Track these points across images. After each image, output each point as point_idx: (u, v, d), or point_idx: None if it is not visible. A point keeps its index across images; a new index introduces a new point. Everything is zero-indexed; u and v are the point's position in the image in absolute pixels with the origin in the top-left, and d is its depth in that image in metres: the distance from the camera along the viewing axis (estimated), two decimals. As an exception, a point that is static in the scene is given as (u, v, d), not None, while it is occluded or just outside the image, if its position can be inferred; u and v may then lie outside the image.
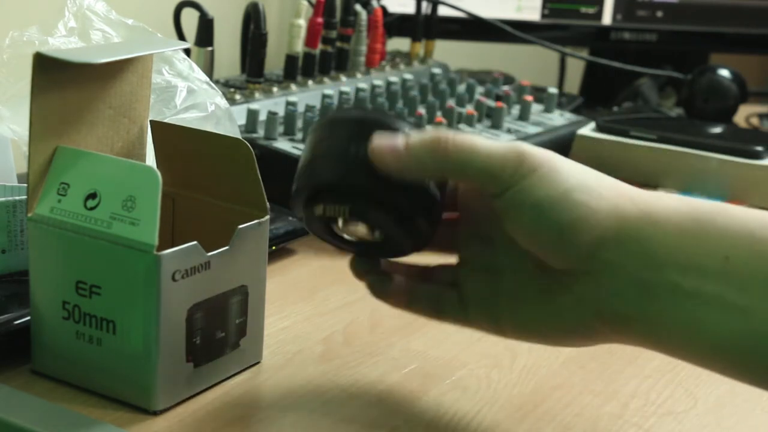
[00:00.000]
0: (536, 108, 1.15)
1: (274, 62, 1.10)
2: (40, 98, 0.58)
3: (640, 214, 0.54)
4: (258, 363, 0.65)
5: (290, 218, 0.85)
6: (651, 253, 0.53)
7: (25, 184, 0.59)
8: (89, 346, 0.59)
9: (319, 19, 1.06)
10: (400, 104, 1.05)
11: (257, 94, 0.99)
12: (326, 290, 0.78)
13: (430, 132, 0.55)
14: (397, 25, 1.28)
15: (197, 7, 0.99)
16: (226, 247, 0.60)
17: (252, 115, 0.94)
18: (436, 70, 1.19)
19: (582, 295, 0.55)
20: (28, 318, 0.61)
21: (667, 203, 0.55)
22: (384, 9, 1.19)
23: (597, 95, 1.44)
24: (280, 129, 0.94)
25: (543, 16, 1.34)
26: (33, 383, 0.61)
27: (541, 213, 0.54)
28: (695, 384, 0.66)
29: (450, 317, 0.60)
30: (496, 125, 1.07)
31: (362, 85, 1.07)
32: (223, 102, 0.79)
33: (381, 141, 0.55)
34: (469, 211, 0.60)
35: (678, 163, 1.03)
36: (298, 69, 1.05)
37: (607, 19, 1.35)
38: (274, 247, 0.81)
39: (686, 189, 1.02)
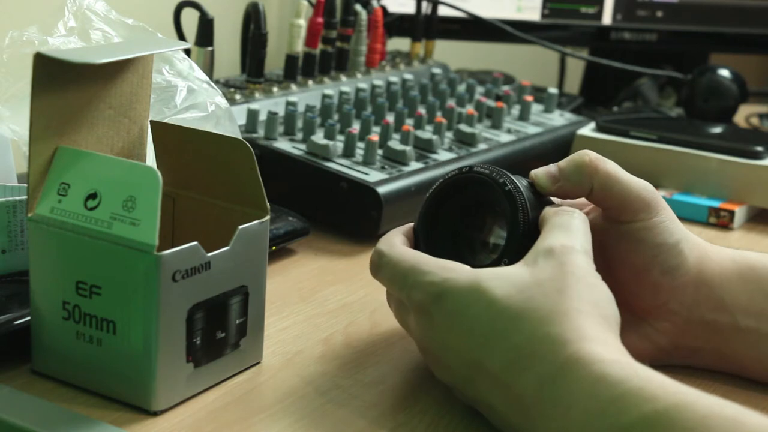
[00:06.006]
0: (536, 108, 1.15)
1: (274, 62, 1.10)
2: (40, 98, 0.58)
3: (717, 268, 0.65)
4: (258, 363, 0.65)
5: (290, 218, 0.85)
6: (720, 298, 0.65)
7: (26, 184, 0.59)
8: (89, 346, 0.59)
9: (319, 19, 1.05)
10: (400, 104, 1.05)
11: (257, 94, 0.99)
12: (326, 290, 0.78)
13: (578, 153, 0.65)
14: (397, 25, 1.28)
15: (197, 7, 0.99)
16: (227, 248, 0.60)
17: (252, 115, 0.94)
18: (436, 70, 1.19)
19: (655, 333, 0.66)
20: (28, 318, 0.61)
21: (729, 256, 0.66)
22: (384, 9, 1.19)
23: (597, 95, 1.44)
24: (280, 129, 0.94)
25: (543, 16, 1.34)
26: (33, 383, 0.61)
27: (657, 254, 0.64)
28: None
29: None
30: (496, 125, 1.07)
31: (362, 85, 1.07)
32: (223, 102, 0.79)
33: (539, 169, 0.65)
34: None
35: (678, 163, 1.03)
36: (298, 69, 1.05)
37: (607, 19, 1.35)
38: (274, 248, 0.81)
39: (686, 189, 1.02)
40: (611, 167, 0.64)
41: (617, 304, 0.65)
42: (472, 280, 0.58)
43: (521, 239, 0.61)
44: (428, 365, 0.62)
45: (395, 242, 0.64)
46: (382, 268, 0.63)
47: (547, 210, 0.62)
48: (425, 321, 0.60)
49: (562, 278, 0.57)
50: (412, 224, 0.67)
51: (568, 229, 0.60)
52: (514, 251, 0.61)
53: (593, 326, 0.55)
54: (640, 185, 0.64)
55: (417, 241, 0.66)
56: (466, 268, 0.60)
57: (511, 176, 0.64)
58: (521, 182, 0.64)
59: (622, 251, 0.65)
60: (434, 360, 0.61)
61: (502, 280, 0.58)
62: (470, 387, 0.59)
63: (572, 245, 0.59)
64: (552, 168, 0.65)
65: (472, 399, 0.59)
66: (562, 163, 0.65)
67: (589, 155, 0.64)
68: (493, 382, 0.56)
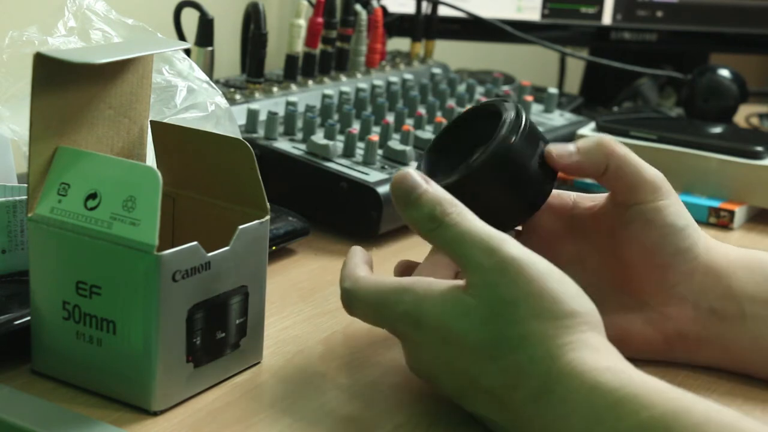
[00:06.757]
0: (536, 108, 1.15)
1: (274, 62, 1.10)
2: (40, 98, 0.58)
3: (724, 258, 0.66)
4: (258, 363, 0.65)
5: (290, 218, 0.85)
6: (727, 286, 0.65)
7: (25, 184, 0.59)
8: (89, 346, 0.59)
9: (319, 19, 1.05)
10: (400, 104, 1.05)
11: (257, 94, 0.99)
12: (326, 290, 0.78)
13: (595, 137, 0.66)
14: (397, 25, 1.28)
15: (197, 7, 0.99)
16: (227, 248, 0.60)
17: (252, 115, 0.94)
18: (436, 70, 1.19)
19: (661, 319, 0.66)
20: (28, 318, 0.61)
21: (735, 249, 0.67)
22: (384, 9, 1.18)
23: (597, 95, 1.44)
24: (280, 129, 0.94)
25: (543, 16, 1.34)
26: (33, 383, 0.61)
27: (665, 237, 0.65)
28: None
29: None
30: (496, 125, 1.06)
31: (362, 85, 1.07)
32: (223, 102, 0.79)
33: (556, 147, 0.65)
34: (578, 228, 0.68)
35: (678, 163, 1.02)
36: (298, 69, 1.05)
37: (607, 19, 1.35)
38: (274, 248, 0.81)
39: (686, 189, 1.02)
40: (626, 150, 0.66)
41: (624, 287, 0.66)
42: (437, 314, 0.57)
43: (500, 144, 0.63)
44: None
45: (358, 276, 0.62)
46: (354, 308, 0.62)
47: (408, 218, 0.59)
48: (411, 345, 0.60)
49: (523, 302, 0.55)
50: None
51: (467, 237, 0.57)
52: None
53: (578, 335, 0.54)
54: (651, 169, 0.66)
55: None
56: (429, 290, 0.58)
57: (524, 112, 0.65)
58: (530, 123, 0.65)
59: (632, 232, 0.66)
60: (428, 379, 0.61)
61: (462, 312, 0.56)
62: (467, 402, 0.58)
63: (495, 258, 0.56)
64: (569, 145, 0.66)
65: (470, 412, 0.59)
66: (580, 141, 0.66)
67: (606, 137, 0.66)
68: (488, 397, 0.56)
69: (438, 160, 0.67)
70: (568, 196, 0.69)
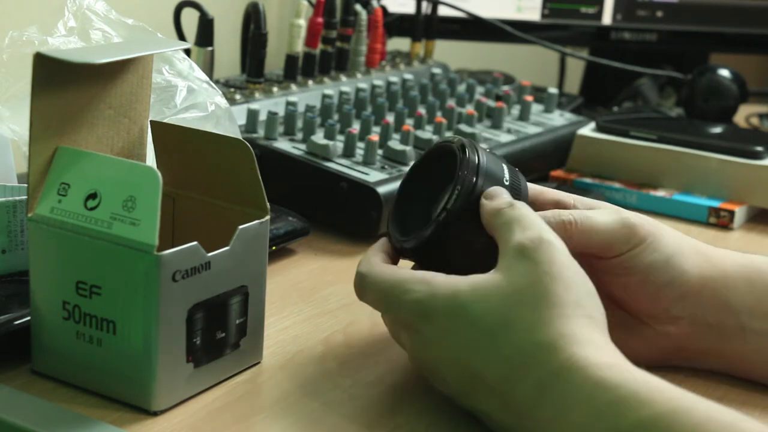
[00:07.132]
0: (536, 108, 1.15)
1: (274, 62, 1.10)
2: (40, 98, 0.58)
3: (720, 272, 0.65)
4: (258, 363, 0.65)
5: (290, 218, 0.85)
6: (725, 301, 0.65)
7: (25, 184, 0.59)
8: (89, 346, 0.59)
9: (319, 19, 1.05)
10: (400, 104, 1.05)
11: (257, 94, 0.99)
12: (326, 290, 0.78)
13: (554, 218, 0.63)
14: (397, 25, 1.28)
15: (197, 7, 0.99)
16: (227, 248, 0.60)
17: (252, 115, 0.94)
18: (436, 70, 1.19)
19: (658, 336, 0.66)
20: (28, 318, 0.61)
21: (734, 259, 0.66)
22: (384, 9, 1.18)
23: (597, 95, 1.44)
24: (280, 129, 0.94)
25: (543, 16, 1.34)
26: (33, 383, 0.61)
27: (647, 276, 0.65)
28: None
29: None
30: (496, 125, 1.06)
31: (362, 85, 1.07)
32: (223, 102, 0.79)
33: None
34: None
35: (678, 163, 1.02)
36: (298, 69, 1.05)
37: (607, 19, 1.35)
38: (274, 247, 0.81)
39: (686, 189, 1.02)
40: (585, 224, 0.63)
41: (617, 309, 0.66)
42: (452, 297, 0.58)
43: (459, 197, 0.62)
44: (426, 378, 0.62)
45: (374, 261, 0.63)
46: (365, 290, 0.63)
47: (487, 206, 0.61)
48: (417, 337, 0.60)
49: (540, 282, 0.56)
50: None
51: (525, 219, 0.59)
52: (456, 205, 0.62)
53: (581, 329, 0.55)
54: (615, 225, 0.64)
55: (390, 219, 0.67)
56: (446, 280, 0.59)
57: (479, 148, 0.64)
58: (486, 154, 0.64)
59: (615, 278, 0.65)
60: (430, 374, 0.61)
61: (481, 294, 0.57)
62: (468, 398, 0.59)
63: (539, 236, 0.58)
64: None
65: (470, 408, 0.59)
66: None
67: (563, 214, 0.63)
68: (490, 392, 0.56)
69: (408, 207, 0.67)
70: (568, 201, 0.68)
